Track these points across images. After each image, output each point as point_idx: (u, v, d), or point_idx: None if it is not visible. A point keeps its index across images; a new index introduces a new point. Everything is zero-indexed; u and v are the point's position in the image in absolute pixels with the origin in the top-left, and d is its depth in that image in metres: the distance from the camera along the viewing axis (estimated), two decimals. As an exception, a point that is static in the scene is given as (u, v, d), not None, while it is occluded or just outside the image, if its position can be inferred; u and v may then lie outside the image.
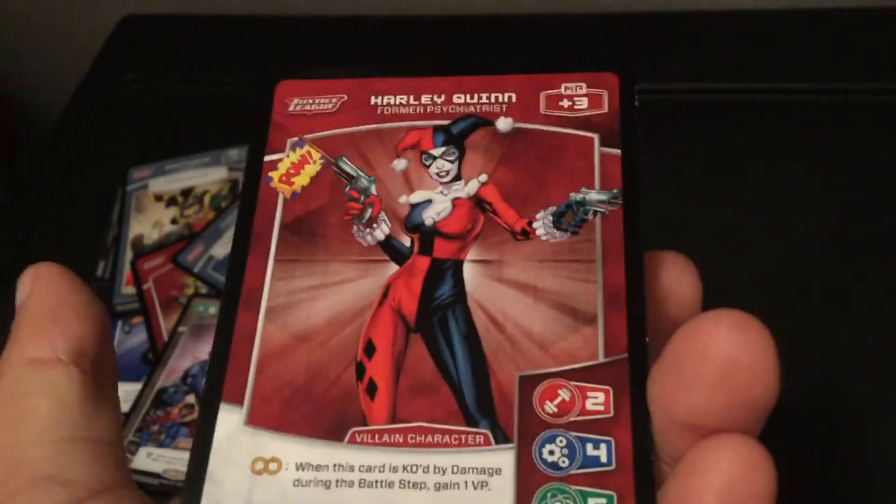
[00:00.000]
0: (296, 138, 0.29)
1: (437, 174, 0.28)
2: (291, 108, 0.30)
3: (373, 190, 0.28)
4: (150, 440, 0.63)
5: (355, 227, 0.27)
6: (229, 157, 0.80)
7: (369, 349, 0.25)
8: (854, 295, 0.54)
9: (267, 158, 0.29)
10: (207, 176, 0.80)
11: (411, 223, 0.27)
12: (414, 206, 0.27)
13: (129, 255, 0.78)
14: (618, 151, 0.27)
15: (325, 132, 0.29)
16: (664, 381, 0.21)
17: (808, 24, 0.69)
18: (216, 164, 0.81)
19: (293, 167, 0.29)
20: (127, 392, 0.66)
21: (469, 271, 0.25)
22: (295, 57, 0.76)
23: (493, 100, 0.29)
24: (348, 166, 0.29)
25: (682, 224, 0.51)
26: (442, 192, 0.27)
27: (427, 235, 0.27)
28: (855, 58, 0.66)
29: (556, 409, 0.23)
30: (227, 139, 0.78)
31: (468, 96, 0.29)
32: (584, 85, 0.28)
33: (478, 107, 0.29)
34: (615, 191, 0.26)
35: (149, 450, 0.62)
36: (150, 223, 0.79)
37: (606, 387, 0.23)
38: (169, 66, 0.82)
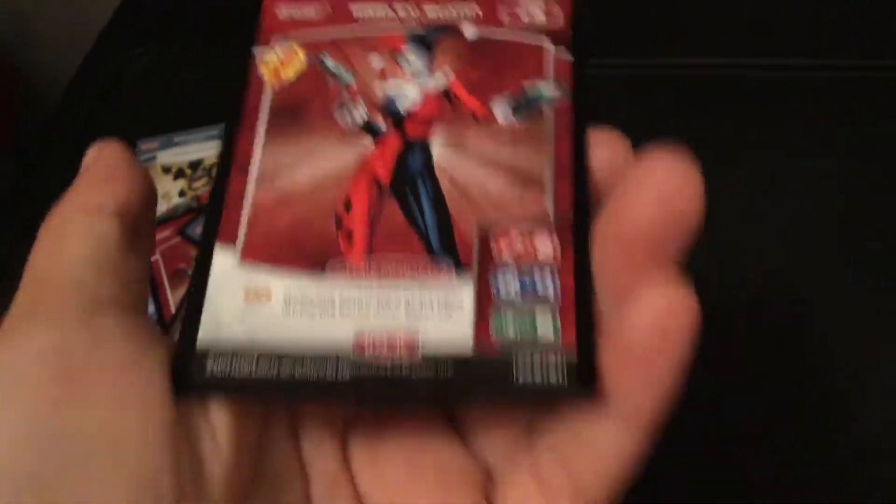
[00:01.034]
0: (281, 35, 0.33)
1: (413, 70, 0.32)
2: (279, 15, 0.33)
3: (352, 82, 0.31)
4: None
5: (336, 112, 0.31)
6: (238, 130, 0.84)
7: (347, 205, 0.28)
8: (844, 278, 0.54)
9: (255, 51, 0.32)
10: (216, 148, 0.79)
11: (387, 109, 0.31)
12: (390, 96, 0.31)
13: None
14: (570, 57, 0.31)
15: (310, 36, 0.33)
16: (608, 215, 0.24)
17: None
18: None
19: (280, 63, 0.32)
20: None
21: (437, 148, 0.29)
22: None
23: (460, 12, 0.33)
24: (330, 62, 0.32)
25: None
26: (413, 84, 0.31)
27: (399, 119, 0.30)
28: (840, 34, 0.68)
29: (509, 253, 0.26)
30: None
31: (439, 8, 0.33)
32: (541, 1, 0.32)
33: (446, 16, 0.33)
34: (564, 90, 0.30)
35: None
36: (158, 196, 0.78)
37: (555, 238, 0.27)
38: (177, 38, 0.82)
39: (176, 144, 0.80)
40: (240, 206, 0.29)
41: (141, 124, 0.78)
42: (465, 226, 0.27)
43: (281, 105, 0.31)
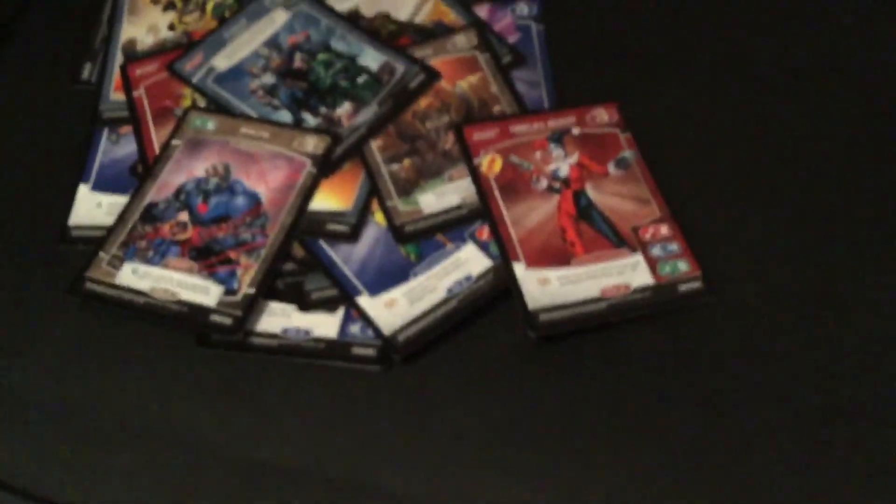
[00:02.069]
0: (483, 149, 0.63)
1: (557, 155, 0.63)
2: (477, 137, 0.64)
3: (531, 167, 0.63)
4: (136, 256, 0.63)
5: (532, 183, 0.62)
6: (239, -38, 0.76)
7: (563, 230, 0.60)
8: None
9: (475, 161, 0.62)
10: None
11: (555, 176, 0.62)
12: (554, 171, 0.63)
13: (119, 58, 0.74)
14: (629, 135, 0.64)
15: (497, 147, 0.64)
16: None
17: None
18: (223, -31, 0.78)
19: (489, 164, 0.63)
20: (112, 205, 0.66)
21: (590, 192, 0.62)
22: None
23: (566, 121, 0.65)
24: (515, 159, 0.63)
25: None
26: (563, 163, 0.63)
27: (566, 181, 0.62)
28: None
29: (650, 236, 0.61)
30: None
31: (554, 121, 0.65)
32: (603, 112, 0.65)
33: (560, 125, 0.65)
34: (635, 151, 0.63)
35: (134, 265, 0.63)
36: (144, 27, 0.74)
37: (666, 225, 0.61)
38: None
39: None
40: (512, 240, 0.61)
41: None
42: (623, 227, 0.61)
43: (501, 185, 0.63)
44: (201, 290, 0.61)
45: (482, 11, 0.74)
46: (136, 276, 0.61)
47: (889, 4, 0.74)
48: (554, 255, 0.60)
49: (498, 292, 0.60)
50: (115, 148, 0.69)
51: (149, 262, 0.62)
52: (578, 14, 0.74)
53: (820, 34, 0.73)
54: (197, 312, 0.60)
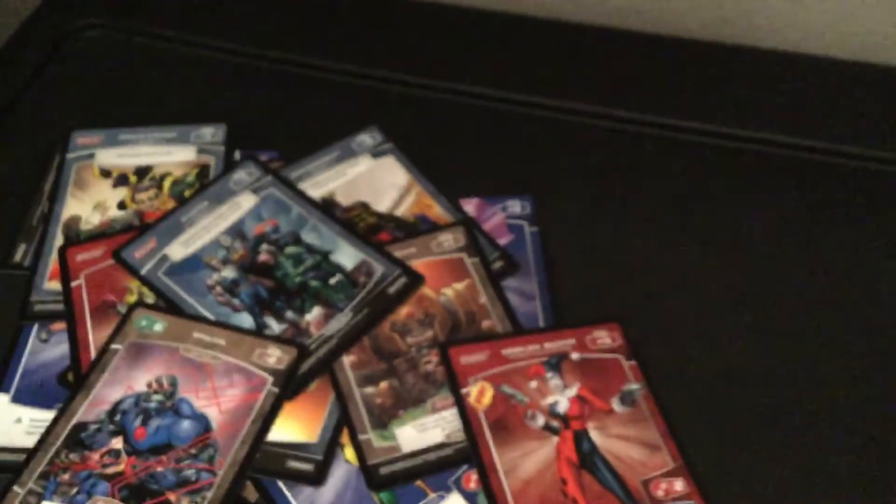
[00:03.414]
0: (472, 377, 0.55)
1: (555, 386, 0.56)
2: (464, 362, 0.56)
3: (525, 400, 0.55)
4: (56, 492, 0.52)
5: (527, 420, 0.54)
6: (201, 137, 0.68)
7: (564, 482, 0.52)
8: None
9: (462, 391, 0.54)
10: (171, 155, 0.67)
11: (552, 413, 0.55)
12: (551, 405, 0.55)
13: (58, 240, 0.65)
14: (634, 363, 0.57)
15: (486, 374, 0.55)
16: None
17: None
18: (183, 142, 0.68)
19: (478, 394, 0.55)
20: (34, 422, 0.56)
21: (593, 434, 0.54)
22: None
23: (564, 344, 0.57)
24: (508, 389, 0.55)
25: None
26: (562, 395, 0.55)
27: (564, 419, 0.55)
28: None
29: (664, 493, 0.52)
30: (200, 114, 0.66)
31: (551, 343, 0.57)
32: (605, 333, 0.58)
33: (558, 348, 0.57)
34: (642, 384, 0.56)
35: None
36: (90, 204, 0.66)
37: (681, 480, 0.53)
38: (137, 12, 0.65)
39: (121, 143, 0.68)
40: (504, 495, 0.51)
41: (80, 112, 0.65)
42: (632, 480, 0.53)
43: (492, 422, 0.54)
44: (132, 544, 0.50)
45: (470, 207, 0.67)
46: (55, 522, 0.51)
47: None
48: (555, 518, 0.51)
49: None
50: (45, 349, 0.60)
51: (71, 502, 0.51)
52: (575, 214, 0.68)
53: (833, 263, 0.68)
54: (124, 573, 0.50)
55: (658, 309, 0.63)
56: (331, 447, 0.55)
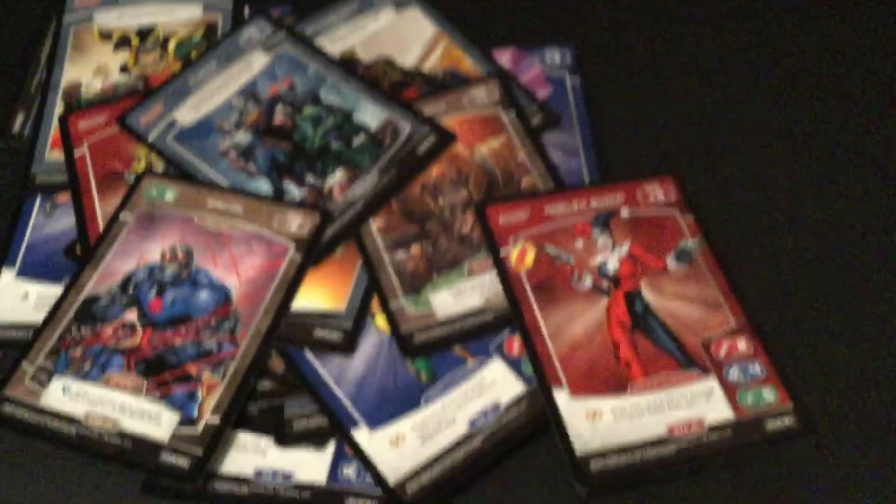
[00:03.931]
0: (513, 236, 0.50)
1: (603, 245, 0.50)
2: (503, 222, 0.50)
3: (571, 260, 0.50)
4: (68, 368, 0.49)
5: (573, 282, 0.49)
6: (208, -10, 0.63)
7: (616, 345, 0.48)
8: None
9: (501, 251, 0.49)
10: (175, 13, 0.63)
11: (600, 273, 0.50)
12: (600, 265, 0.50)
13: (58, 107, 0.61)
14: (691, 217, 0.51)
15: (530, 233, 0.50)
16: None
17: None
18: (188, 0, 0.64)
19: (519, 255, 0.50)
20: (41, 296, 0.53)
21: (647, 294, 0.49)
22: None
23: (614, 200, 0.52)
24: (552, 249, 0.50)
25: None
26: (611, 255, 0.50)
27: (615, 279, 0.50)
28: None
29: (725, 353, 0.48)
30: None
31: (598, 200, 0.52)
32: (657, 187, 0.52)
33: (606, 205, 0.51)
34: (699, 239, 0.50)
35: (65, 382, 0.49)
36: (91, 68, 0.61)
37: (745, 338, 0.48)
38: None
39: (122, 2, 0.64)
40: (551, 359, 0.47)
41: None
42: (690, 341, 0.48)
43: (535, 284, 0.49)
44: (151, 419, 0.47)
45: (504, 58, 0.61)
46: (68, 397, 0.48)
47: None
48: (605, 378, 0.47)
49: (534, 428, 0.47)
50: (49, 222, 0.56)
51: (84, 377, 0.48)
52: (622, 62, 0.61)
53: None
54: (144, 449, 0.46)
55: (714, 161, 0.57)
56: (361, 314, 0.50)
